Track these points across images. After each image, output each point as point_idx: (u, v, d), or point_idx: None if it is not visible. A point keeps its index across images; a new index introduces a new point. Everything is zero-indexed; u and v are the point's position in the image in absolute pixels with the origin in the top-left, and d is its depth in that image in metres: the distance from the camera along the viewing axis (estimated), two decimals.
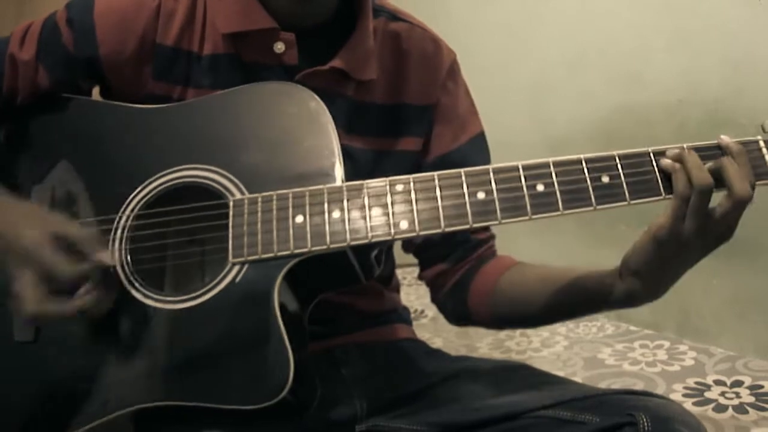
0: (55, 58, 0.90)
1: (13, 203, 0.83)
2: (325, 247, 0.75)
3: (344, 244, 0.75)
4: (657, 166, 0.74)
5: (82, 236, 0.78)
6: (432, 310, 2.34)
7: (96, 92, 0.96)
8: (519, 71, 2.51)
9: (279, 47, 0.88)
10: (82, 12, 0.90)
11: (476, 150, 0.99)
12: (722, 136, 0.74)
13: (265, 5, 0.89)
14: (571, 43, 2.29)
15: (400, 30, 0.97)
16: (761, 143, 0.74)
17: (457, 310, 1.00)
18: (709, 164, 0.73)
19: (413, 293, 2.46)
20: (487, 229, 1.00)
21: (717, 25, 1.84)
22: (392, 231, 0.74)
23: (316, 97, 0.82)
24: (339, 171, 0.78)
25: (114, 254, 0.80)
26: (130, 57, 0.89)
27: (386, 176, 0.77)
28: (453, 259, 0.98)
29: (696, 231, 0.73)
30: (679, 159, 0.73)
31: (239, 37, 0.89)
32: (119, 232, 0.82)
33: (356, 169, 0.86)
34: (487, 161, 1.00)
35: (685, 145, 0.74)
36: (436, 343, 2.00)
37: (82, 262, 0.76)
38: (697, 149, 0.74)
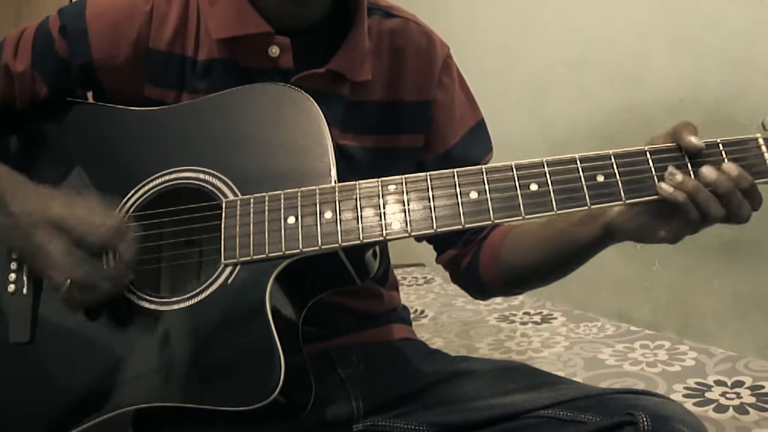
0: (51, 67, 0.90)
1: (32, 184, 0.83)
2: (316, 248, 0.74)
3: (336, 245, 0.74)
4: (653, 164, 0.73)
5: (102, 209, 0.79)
6: (432, 310, 2.34)
7: (90, 97, 0.96)
8: (519, 71, 2.50)
9: (274, 51, 0.88)
10: (74, 18, 0.89)
11: (475, 141, 1.00)
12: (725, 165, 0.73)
13: (259, 9, 0.88)
14: (571, 43, 2.28)
15: (395, 26, 0.97)
16: (761, 141, 0.74)
17: (476, 286, 1.02)
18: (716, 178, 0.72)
19: (413, 293, 2.46)
20: None
21: (718, 25, 1.84)
22: (384, 232, 0.74)
23: (309, 97, 0.81)
24: (332, 171, 0.77)
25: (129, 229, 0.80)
26: (124, 62, 0.89)
27: (388, 174, 0.77)
28: (462, 243, 1.00)
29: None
30: (684, 189, 0.72)
31: (233, 41, 0.88)
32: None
33: (355, 169, 0.86)
34: (487, 150, 1.01)
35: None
36: (436, 343, 1.99)
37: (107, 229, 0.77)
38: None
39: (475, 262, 0.99)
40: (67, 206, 0.78)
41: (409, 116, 0.96)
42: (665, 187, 0.72)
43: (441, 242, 1.02)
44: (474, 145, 1.00)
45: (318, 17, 0.92)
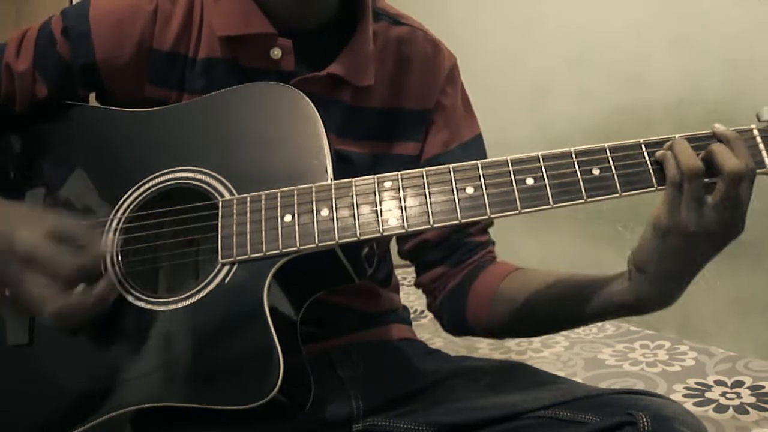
0: (52, 68, 0.90)
1: (1, 207, 0.81)
2: (313, 245, 0.74)
3: (333, 242, 0.74)
4: (649, 157, 0.74)
5: (76, 229, 0.77)
6: None
7: (92, 98, 0.96)
8: (519, 71, 2.50)
9: (276, 53, 0.87)
10: (77, 18, 0.89)
11: (468, 154, 0.96)
12: (716, 125, 0.74)
13: (264, 9, 0.88)
14: (571, 43, 2.28)
15: (402, 34, 0.96)
16: (755, 132, 0.74)
17: (455, 316, 0.97)
18: (702, 153, 0.72)
19: (413, 293, 2.45)
20: (485, 232, 0.99)
21: (717, 25, 1.84)
22: (381, 228, 0.74)
23: (304, 95, 0.81)
24: (329, 169, 0.77)
25: (109, 242, 0.79)
26: (127, 62, 0.88)
27: None
28: (451, 262, 0.97)
29: (695, 220, 0.71)
30: (669, 147, 0.73)
31: (236, 41, 0.88)
32: (110, 235, 0.82)
33: (352, 174, 0.86)
34: None
35: (676, 135, 0.74)
36: (436, 343, 1.99)
37: (81, 252, 0.75)
38: (691, 138, 0.74)
39: (463, 289, 0.95)
40: (31, 234, 0.74)
41: (408, 124, 0.96)
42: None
43: (425, 260, 0.98)
44: (464, 158, 0.97)
45: (322, 20, 0.91)
